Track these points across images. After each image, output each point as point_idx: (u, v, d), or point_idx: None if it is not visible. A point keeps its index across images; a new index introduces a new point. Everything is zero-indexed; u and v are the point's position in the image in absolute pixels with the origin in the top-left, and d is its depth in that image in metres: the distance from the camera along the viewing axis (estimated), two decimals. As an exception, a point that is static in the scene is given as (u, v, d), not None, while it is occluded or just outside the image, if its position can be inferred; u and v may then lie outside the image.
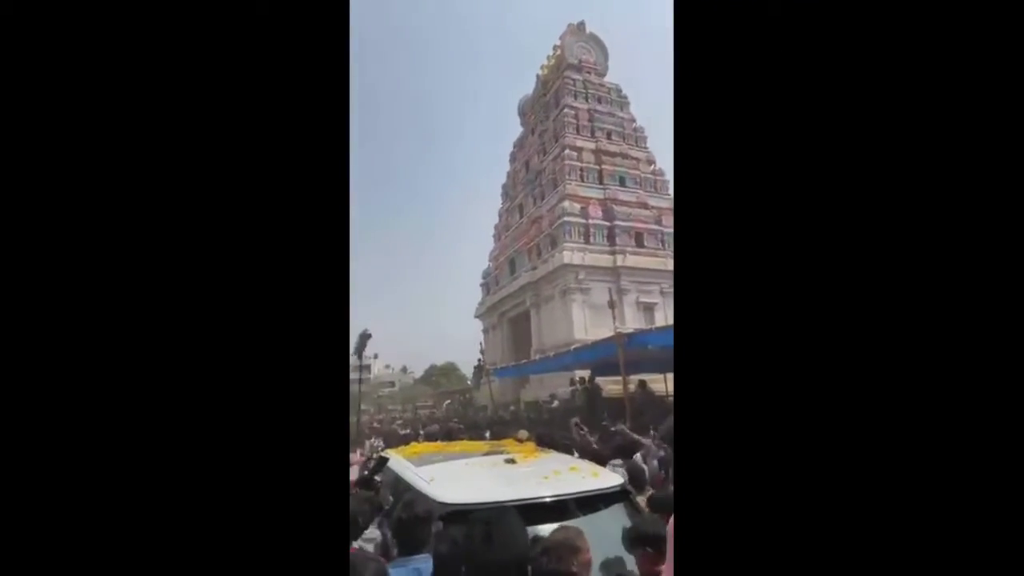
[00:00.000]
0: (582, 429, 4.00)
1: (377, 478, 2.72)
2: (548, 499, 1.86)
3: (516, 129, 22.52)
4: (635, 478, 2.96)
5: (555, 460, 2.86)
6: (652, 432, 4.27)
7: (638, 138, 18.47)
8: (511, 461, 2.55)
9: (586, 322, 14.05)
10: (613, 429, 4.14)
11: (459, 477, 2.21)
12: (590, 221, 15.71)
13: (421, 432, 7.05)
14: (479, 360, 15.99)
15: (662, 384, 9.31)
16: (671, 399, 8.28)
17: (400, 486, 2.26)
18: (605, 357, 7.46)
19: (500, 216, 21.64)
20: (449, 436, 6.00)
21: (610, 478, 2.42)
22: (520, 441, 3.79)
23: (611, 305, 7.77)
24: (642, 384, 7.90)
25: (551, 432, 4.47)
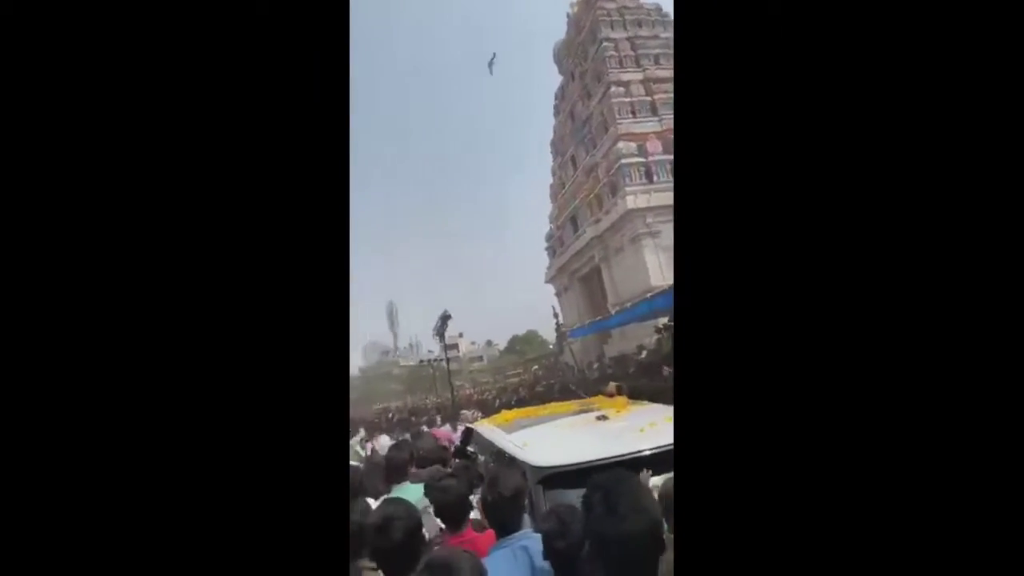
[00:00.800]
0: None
1: (470, 448, 2.66)
2: (648, 452, 1.72)
3: (555, 79, 21.40)
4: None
5: (649, 411, 2.63)
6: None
7: (690, 56, 16.66)
8: (603, 418, 2.38)
9: (662, 266, 13.26)
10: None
11: (552, 439, 2.12)
12: (650, 158, 14.61)
13: (513, 400, 7.10)
14: (556, 324, 15.86)
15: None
16: None
17: (494, 454, 2.20)
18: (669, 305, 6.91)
19: (553, 174, 20.91)
20: (539, 400, 5.94)
21: None
22: (610, 396, 3.61)
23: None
24: None
25: (643, 383, 4.21)
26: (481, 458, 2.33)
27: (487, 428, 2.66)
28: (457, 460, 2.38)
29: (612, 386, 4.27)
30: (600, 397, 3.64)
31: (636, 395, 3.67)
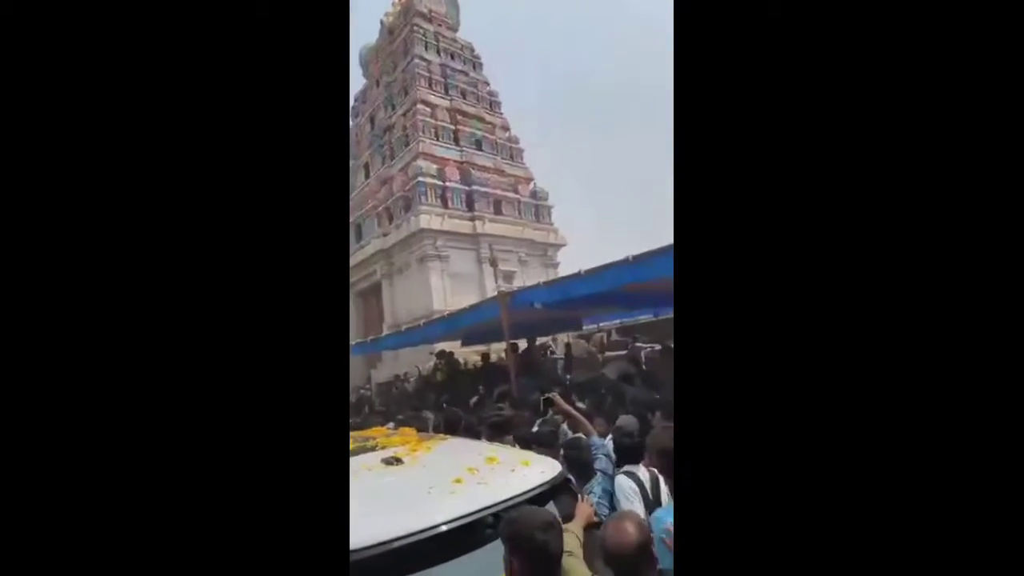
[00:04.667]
0: (501, 407, 2.99)
1: None
2: (489, 513, 1.21)
3: (356, 82, 19.90)
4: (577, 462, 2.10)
5: (452, 448, 1.93)
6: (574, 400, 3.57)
7: (492, 102, 17.75)
8: (395, 461, 1.58)
9: (446, 292, 13.01)
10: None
11: None
12: (447, 183, 14.53)
13: None
14: (322, 341, 13.75)
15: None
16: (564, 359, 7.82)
17: None
18: (474, 325, 6.55)
19: (342, 178, 19.00)
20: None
21: (547, 464, 1.58)
22: (392, 430, 2.72)
23: (492, 263, 6.80)
24: (533, 345, 7.23)
25: (445, 412, 3.49)
26: None
27: None
28: None
29: (408, 421, 3.50)
30: (378, 430, 2.74)
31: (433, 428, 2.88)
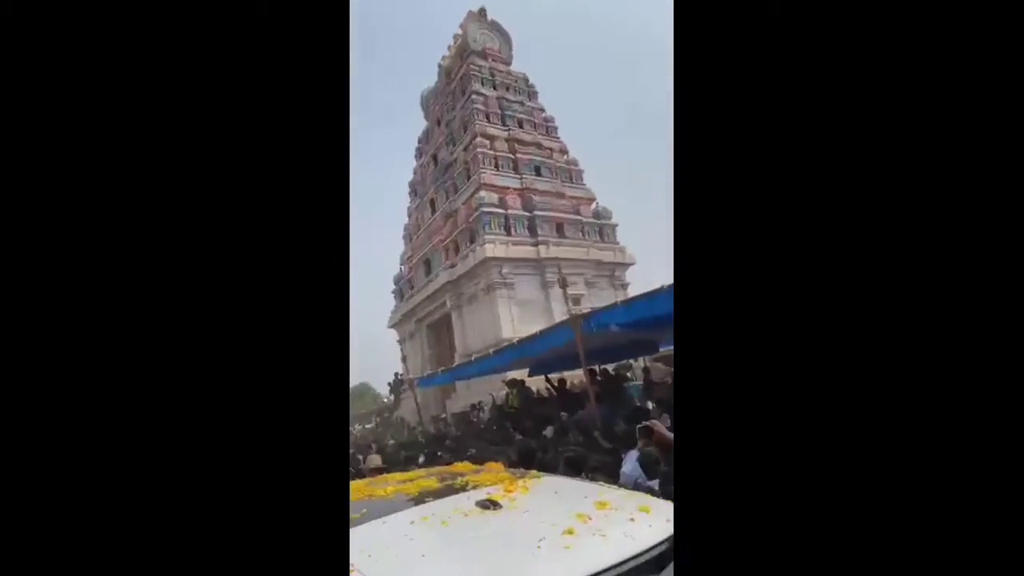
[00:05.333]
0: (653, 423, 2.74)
1: None
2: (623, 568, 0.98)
3: (419, 125, 21.04)
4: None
5: (552, 488, 1.65)
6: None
7: (549, 128, 17.94)
8: (491, 504, 1.33)
9: (514, 320, 12.96)
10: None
11: (421, 555, 1.10)
12: (509, 211, 14.71)
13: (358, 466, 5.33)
14: (396, 374, 14.14)
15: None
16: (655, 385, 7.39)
17: None
18: (544, 352, 6.32)
19: (409, 215, 19.89)
20: (374, 468, 4.45)
21: (670, 510, 1.31)
22: (478, 463, 2.54)
23: (562, 284, 6.60)
24: (610, 371, 6.88)
25: (525, 444, 3.30)
26: None
27: None
28: None
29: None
30: (464, 465, 2.53)
31: (521, 462, 2.69)
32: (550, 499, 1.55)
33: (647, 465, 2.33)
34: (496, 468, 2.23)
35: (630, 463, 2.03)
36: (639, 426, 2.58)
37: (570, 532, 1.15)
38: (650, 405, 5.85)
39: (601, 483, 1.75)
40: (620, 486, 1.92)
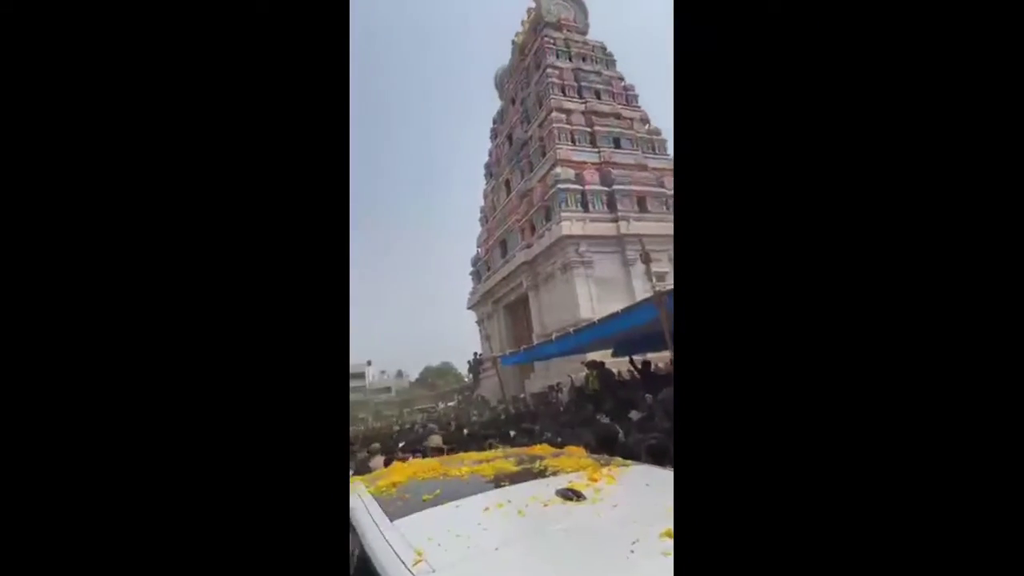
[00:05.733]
0: None
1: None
2: None
3: (494, 105, 20.90)
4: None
5: (642, 479, 1.44)
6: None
7: (629, 97, 16.90)
8: (574, 495, 1.14)
9: (593, 298, 12.51)
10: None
11: (494, 548, 0.93)
12: (587, 187, 14.13)
13: (423, 443, 5.50)
14: (475, 353, 14.39)
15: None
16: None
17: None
18: (626, 331, 5.88)
19: (485, 197, 19.98)
20: (457, 445, 4.44)
21: None
22: (557, 447, 2.31)
23: (645, 259, 6.11)
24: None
25: (608, 427, 3.04)
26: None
27: (360, 498, 1.33)
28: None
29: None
30: (542, 447, 2.31)
31: (598, 446, 2.42)
32: (641, 492, 1.30)
33: None
34: (577, 452, 2.00)
35: None
36: None
37: (668, 535, 0.89)
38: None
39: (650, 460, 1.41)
40: None
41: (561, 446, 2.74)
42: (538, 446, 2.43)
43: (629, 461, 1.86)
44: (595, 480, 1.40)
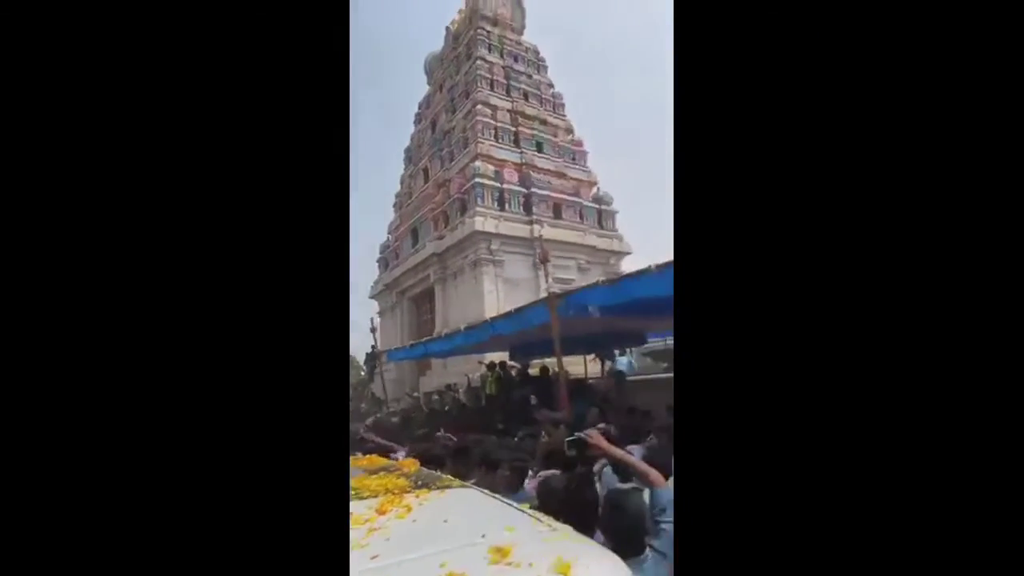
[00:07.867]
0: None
1: None
2: None
3: (420, 91, 20.06)
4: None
5: (456, 507, 1.21)
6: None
7: (556, 104, 17.06)
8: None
9: (499, 298, 12.32)
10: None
11: None
12: (505, 186, 13.94)
13: None
14: (372, 346, 13.54)
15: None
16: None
17: None
18: (521, 332, 5.69)
19: (402, 183, 19.04)
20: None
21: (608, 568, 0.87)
22: (394, 457, 2.02)
23: (543, 260, 5.95)
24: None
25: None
26: None
27: None
28: None
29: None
30: (372, 458, 2.05)
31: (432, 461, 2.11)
32: (420, 533, 0.98)
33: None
34: (408, 465, 1.74)
35: (663, 535, 1.48)
36: (568, 439, 1.93)
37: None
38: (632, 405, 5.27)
39: (527, 508, 1.13)
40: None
41: (420, 456, 2.40)
42: (369, 457, 2.06)
43: (456, 482, 1.57)
44: (383, 512, 1.10)
